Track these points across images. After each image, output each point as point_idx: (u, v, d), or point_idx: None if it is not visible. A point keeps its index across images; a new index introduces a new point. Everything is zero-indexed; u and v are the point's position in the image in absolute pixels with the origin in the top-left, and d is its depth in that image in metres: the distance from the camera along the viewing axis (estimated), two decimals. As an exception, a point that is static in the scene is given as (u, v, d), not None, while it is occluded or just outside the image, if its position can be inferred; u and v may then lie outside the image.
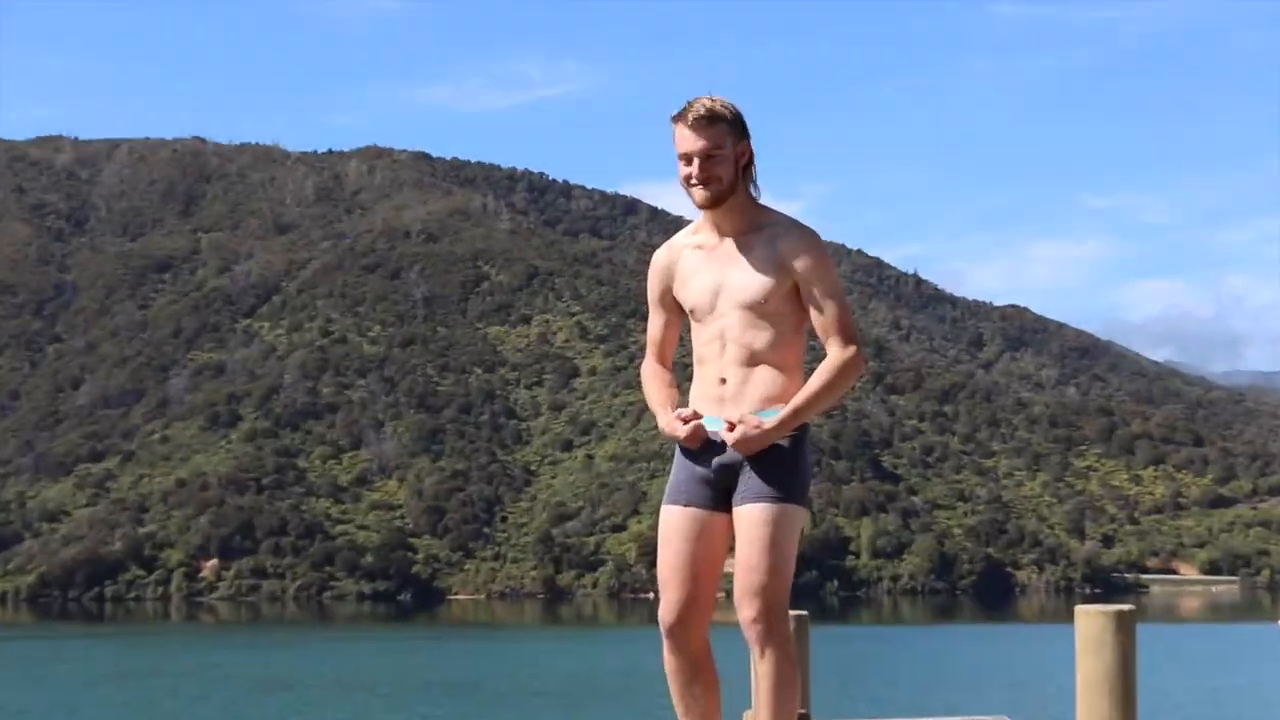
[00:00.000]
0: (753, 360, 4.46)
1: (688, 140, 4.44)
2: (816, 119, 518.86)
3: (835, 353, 4.45)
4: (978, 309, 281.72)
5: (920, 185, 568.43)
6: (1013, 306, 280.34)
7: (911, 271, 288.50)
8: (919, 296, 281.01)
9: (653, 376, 4.70)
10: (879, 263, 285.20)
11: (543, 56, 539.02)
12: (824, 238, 5.00)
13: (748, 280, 4.45)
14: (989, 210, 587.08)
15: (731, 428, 4.46)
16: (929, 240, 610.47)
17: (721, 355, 4.50)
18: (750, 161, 4.53)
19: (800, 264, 4.41)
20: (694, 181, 4.51)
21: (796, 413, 4.41)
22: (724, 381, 4.49)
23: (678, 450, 4.56)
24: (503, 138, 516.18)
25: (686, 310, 4.61)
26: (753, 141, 4.54)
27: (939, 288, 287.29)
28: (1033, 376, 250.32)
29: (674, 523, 4.52)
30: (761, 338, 4.45)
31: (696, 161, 4.43)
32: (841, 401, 4.91)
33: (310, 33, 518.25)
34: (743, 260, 4.49)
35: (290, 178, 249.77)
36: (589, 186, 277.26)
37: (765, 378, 4.46)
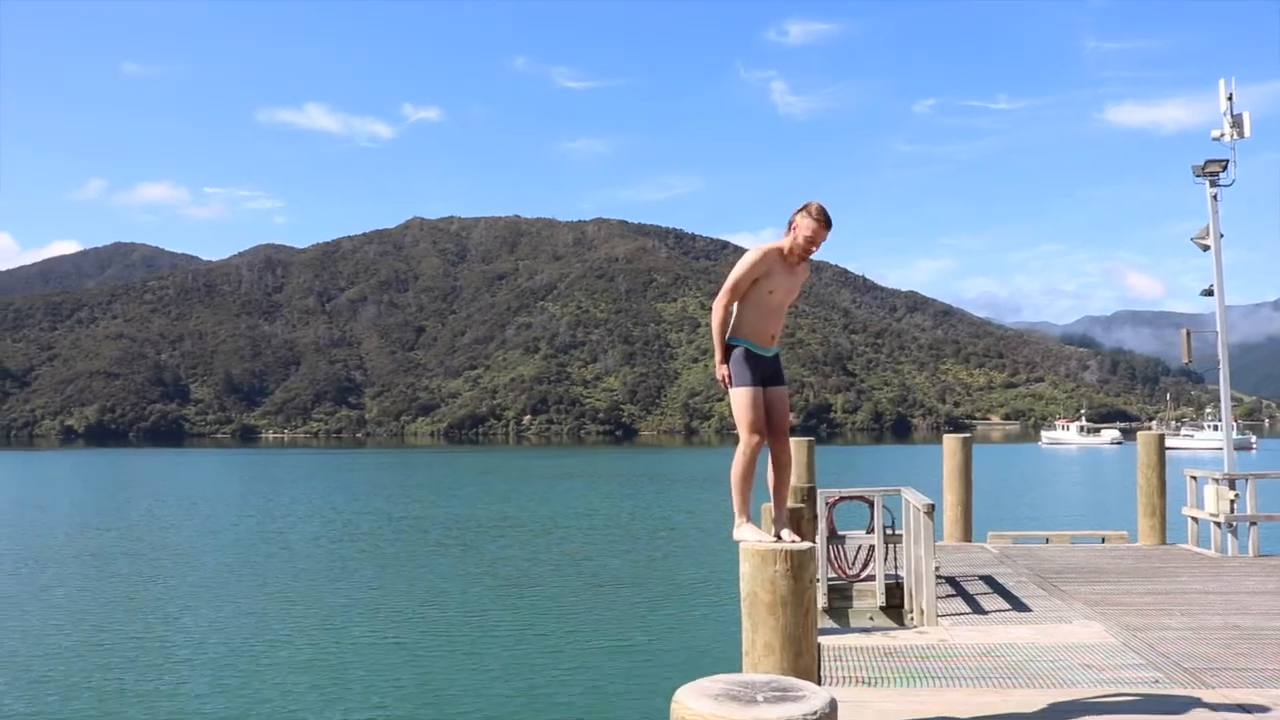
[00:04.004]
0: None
1: (819, 234, 6.37)
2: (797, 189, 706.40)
3: None
4: (895, 294, 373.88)
5: (866, 225, 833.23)
6: (911, 291, 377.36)
7: (861, 274, 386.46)
8: (867, 285, 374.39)
9: (723, 322, 6.41)
10: (846, 271, 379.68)
11: (677, 173, 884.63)
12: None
13: (796, 290, 6.57)
14: (893, 244, 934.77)
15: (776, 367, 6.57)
16: (868, 253, 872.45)
17: (778, 322, 6.50)
18: None
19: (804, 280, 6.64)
20: (805, 253, 6.35)
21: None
22: (774, 338, 6.50)
23: (746, 357, 6.44)
24: (662, 212, 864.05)
25: (767, 291, 6.43)
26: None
27: (874, 281, 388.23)
28: (921, 325, 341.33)
29: (757, 395, 6.41)
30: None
31: (814, 246, 6.32)
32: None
33: (566, 161, 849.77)
34: (797, 280, 6.55)
35: (560, 234, 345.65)
36: (704, 234, 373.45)
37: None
